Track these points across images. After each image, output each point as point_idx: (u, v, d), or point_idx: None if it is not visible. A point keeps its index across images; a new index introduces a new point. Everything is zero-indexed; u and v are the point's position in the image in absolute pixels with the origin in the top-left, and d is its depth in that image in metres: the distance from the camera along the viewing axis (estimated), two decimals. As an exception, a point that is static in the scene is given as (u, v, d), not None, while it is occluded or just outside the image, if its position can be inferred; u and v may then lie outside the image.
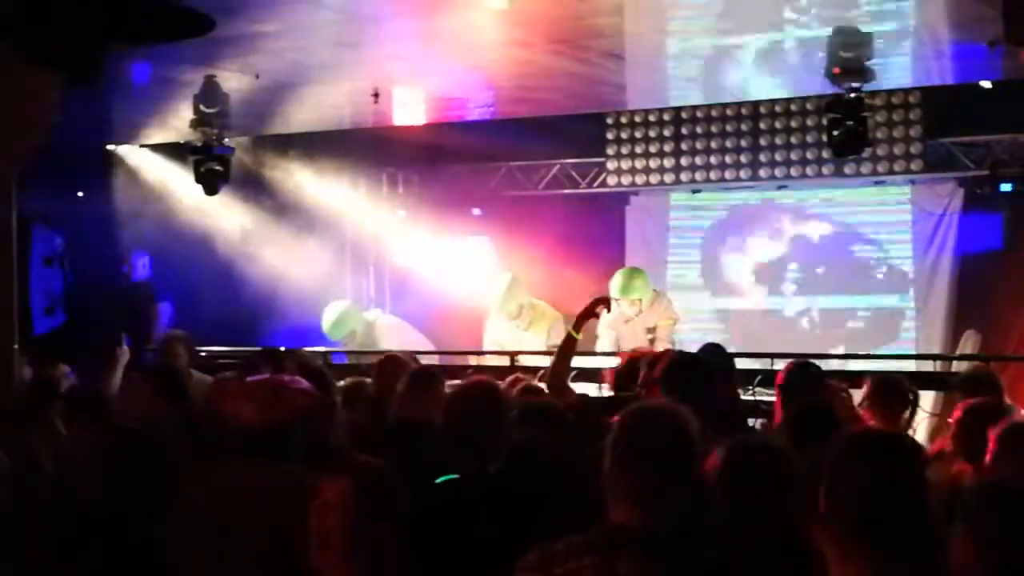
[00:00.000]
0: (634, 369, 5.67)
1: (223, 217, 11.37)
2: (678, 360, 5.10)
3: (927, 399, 8.30)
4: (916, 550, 2.54)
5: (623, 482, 2.91)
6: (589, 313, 6.02)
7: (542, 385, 6.02)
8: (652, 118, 11.41)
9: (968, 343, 10.21)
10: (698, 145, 11.26)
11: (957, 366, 8.27)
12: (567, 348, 5.95)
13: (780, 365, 8.30)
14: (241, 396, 3.88)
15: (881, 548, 2.50)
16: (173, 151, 10.97)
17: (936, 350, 10.40)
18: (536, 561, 2.92)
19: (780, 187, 11.28)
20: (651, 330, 9.11)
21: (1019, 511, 2.64)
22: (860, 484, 2.57)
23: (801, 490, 3.15)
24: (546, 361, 6.80)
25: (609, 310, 6.30)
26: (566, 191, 12.06)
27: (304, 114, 9.83)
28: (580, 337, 6.01)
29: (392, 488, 3.16)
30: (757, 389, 7.73)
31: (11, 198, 6.23)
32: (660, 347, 8.04)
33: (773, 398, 7.86)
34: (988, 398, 5.40)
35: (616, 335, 9.26)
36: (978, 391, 5.74)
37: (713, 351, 6.11)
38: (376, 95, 8.93)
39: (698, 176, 11.30)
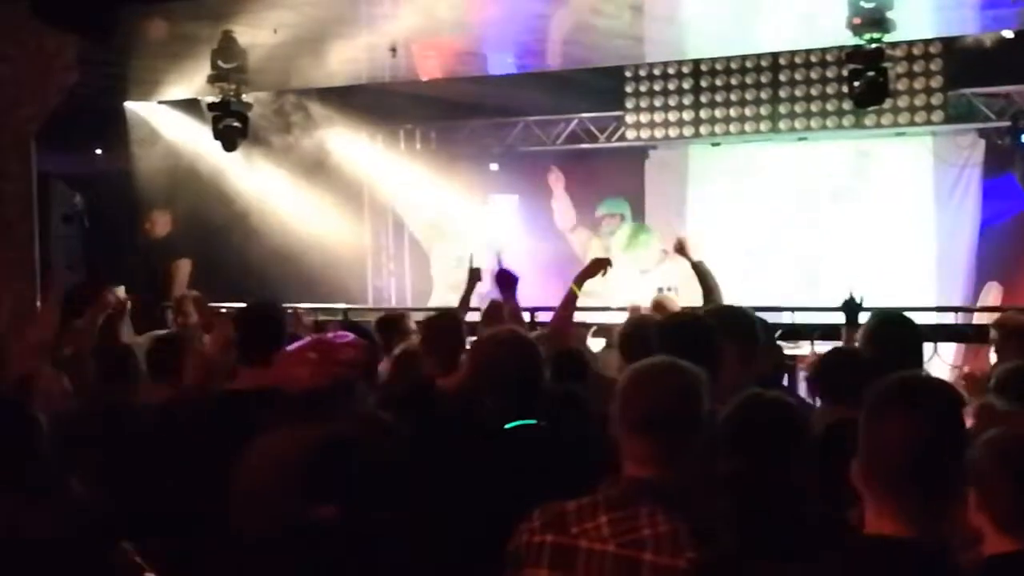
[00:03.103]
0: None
1: (242, 173, 11.36)
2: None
3: (948, 351, 8.30)
4: (950, 501, 2.48)
5: (629, 443, 2.90)
6: (590, 272, 5.86)
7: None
8: (671, 71, 11.34)
9: (990, 295, 10.18)
10: (717, 98, 11.20)
11: (978, 318, 8.25)
12: (568, 303, 5.84)
13: (802, 318, 8.37)
14: None
15: (916, 499, 2.43)
16: (191, 107, 10.96)
17: (957, 302, 10.37)
18: (545, 523, 2.85)
19: (800, 139, 11.22)
20: (661, 290, 9.10)
21: None
22: (897, 433, 2.45)
23: (806, 444, 3.24)
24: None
25: (605, 273, 6.07)
26: (584, 145, 12.02)
27: (322, 69, 9.78)
28: (580, 293, 5.88)
29: None
30: (778, 343, 7.72)
31: (31, 156, 6.25)
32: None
33: (795, 351, 7.91)
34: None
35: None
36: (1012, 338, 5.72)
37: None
38: (394, 50, 8.89)
39: (717, 129, 11.25)
